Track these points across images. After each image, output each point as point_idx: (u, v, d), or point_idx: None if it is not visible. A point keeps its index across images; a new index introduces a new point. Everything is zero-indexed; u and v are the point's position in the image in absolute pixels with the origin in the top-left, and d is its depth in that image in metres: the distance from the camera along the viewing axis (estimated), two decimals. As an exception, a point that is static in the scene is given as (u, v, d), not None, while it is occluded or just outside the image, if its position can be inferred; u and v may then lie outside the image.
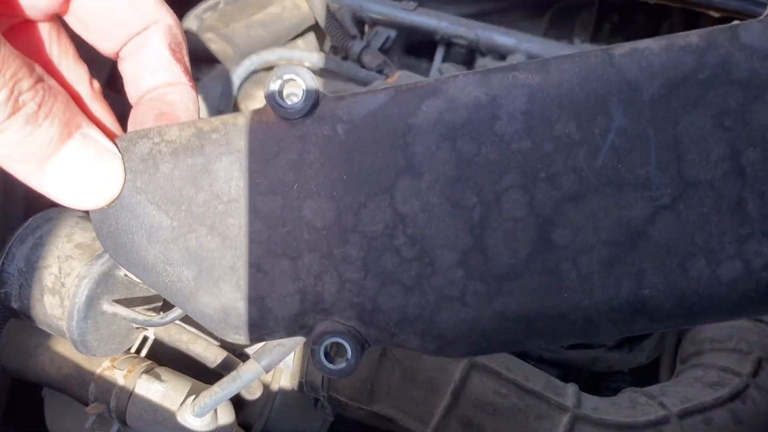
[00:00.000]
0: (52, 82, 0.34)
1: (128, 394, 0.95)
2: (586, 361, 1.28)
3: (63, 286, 0.90)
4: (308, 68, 1.33)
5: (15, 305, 0.92)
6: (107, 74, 1.38)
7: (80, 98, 0.39)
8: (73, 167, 0.35)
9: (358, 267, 0.38)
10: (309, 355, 1.00)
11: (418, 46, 1.58)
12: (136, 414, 0.95)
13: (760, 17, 0.37)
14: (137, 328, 1.00)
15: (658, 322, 0.38)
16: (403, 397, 0.96)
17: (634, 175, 0.37)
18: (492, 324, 0.38)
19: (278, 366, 1.01)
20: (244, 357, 1.05)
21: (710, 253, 0.37)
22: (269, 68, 1.39)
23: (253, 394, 1.03)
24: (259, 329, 0.40)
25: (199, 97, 1.34)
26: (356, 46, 1.41)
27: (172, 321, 0.83)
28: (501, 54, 1.43)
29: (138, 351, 1.05)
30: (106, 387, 0.96)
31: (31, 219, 0.91)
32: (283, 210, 0.39)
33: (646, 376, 1.27)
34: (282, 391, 1.07)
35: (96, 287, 0.86)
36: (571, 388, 0.97)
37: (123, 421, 0.96)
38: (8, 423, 1.14)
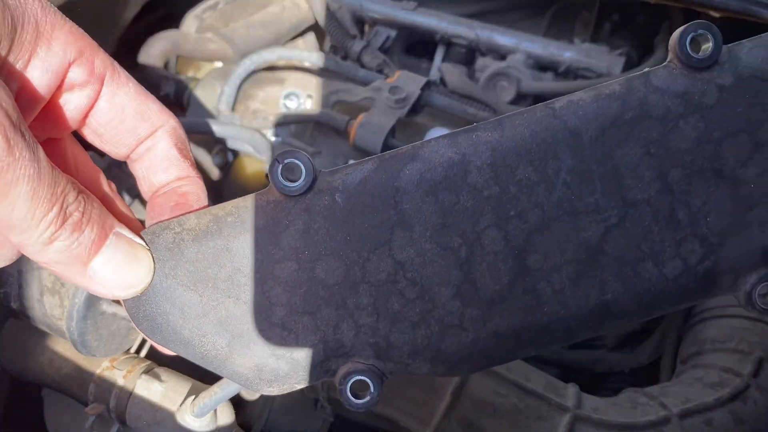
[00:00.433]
0: (86, 190, 0.39)
1: (128, 395, 0.95)
2: (586, 361, 1.28)
3: (63, 286, 0.90)
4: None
5: (15, 305, 0.92)
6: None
7: (104, 200, 0.44)
8: (112, 264, 0.40)
9: (369, 312, 0.44)
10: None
11: (418, 46, 1.58)
12: (135, 414, 0.95)
13: (665, 64, 0.45)
14: (137, 328, 1.00)
15: (622, 319, 0.46)
16: (403, 398, 0.96)
17: (585, 203, 0.44)
18: (489, 343, 0.45)
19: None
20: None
21: (656, 257, 0.45)
22: (269, 68, 1.39)
23: (253, 394, 1.02)
24: (290, 380, 0.45)
25: (199, 98, 1.34)
26: (356, 45, 1.41)
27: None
28: (501, 54, 1.42)
29: (138, 351, 1.05)
30: (106, 387, 0.96)
31: (30, 219, 0.90)
32: (298, 273, 0.44)
33: (647, 376, 1.27)
34: (282, 392, 1.07)
35: (95, 287, 0.86)
36: (572, 389, 0.97)
37: (122, 422, 0.96)
38: (8, 423, 1.14)
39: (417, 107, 1.20)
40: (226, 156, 1.32)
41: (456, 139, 0.45)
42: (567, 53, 1.37)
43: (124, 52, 1.44)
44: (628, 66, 1.38)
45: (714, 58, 0.44)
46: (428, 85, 1.20)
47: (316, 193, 0.44)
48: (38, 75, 0.39)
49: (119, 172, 1.09)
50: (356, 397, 0.44)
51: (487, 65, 1.39)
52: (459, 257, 0.44)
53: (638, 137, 0.44)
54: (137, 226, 0.44)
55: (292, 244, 0.44)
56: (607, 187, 0.44)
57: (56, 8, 0.39)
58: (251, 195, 0.45)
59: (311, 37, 1.63)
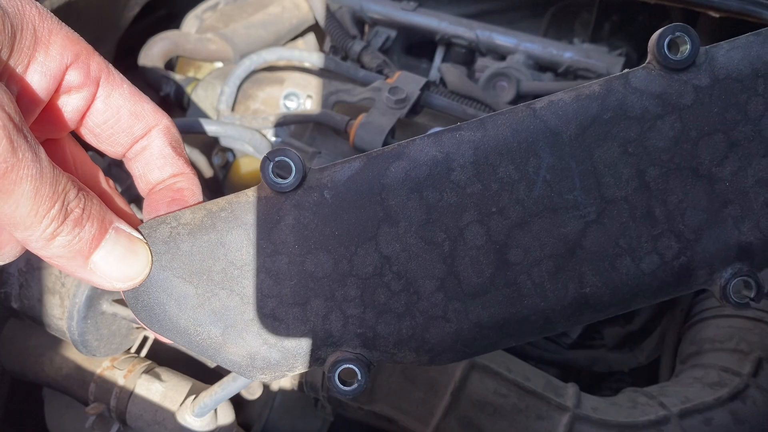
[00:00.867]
0: (86, 188, 0.41)
1: (128, 394, 0.95)
2: (586, 361, 1.28)
3: (63, 286, 0.90)
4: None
5: (15, 305, 0.92)
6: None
7: (103, 196, 0.46)
8: (111, 257, 0.42)
9: (357, 304, 0.46)
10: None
11: (418, 46, 1.58)
12: (136, 414, 0.95)
13: (644, 65, 0.47)
14: (137, 327, 1.00)
15: (600, 311, 0.47)
16: (403, 397, 0.96)
17: (564, 200, 0.46)
18: (471, 333, 0.47)
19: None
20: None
21: (633, 252, 0.46)
22: (269, 68, 1.39)
23: (253, 394, 1.02)
24: (281, 367, 0.47)
25: (200, 98, 1.34)
26: (356, 46, 1.41)
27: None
28: (501, 54, 1.42)
29: (138, 351, 1.05)
30: (106, 387, 0.96)
31: (31, 219, 0.90)
32: (289, 266, 0.46)
33: (646, 376, 1.27)
34: (282, 391, 1.07)
35: (96, 287, 0.86)
36: (571, 389, 0.98)
37: (123, 421, 0.96)
38: (8, 423, 1.14)
39: (417, 108, 1.20)
40: (226, 156, 1.32)
41: (440, 138, 0.46)
42: (567, 53, 1.38)
43: (124, 52, 1.44)
44: (628, 66, 1.38)
45: (691, 60, 0.45)
46: (428, 85, 1.20)
47: (305, 189, 0.46)
48: (37, 79, 0.40)
49: (119, 171, 1.09)
50: (344, 384, 0.45)
51: (486, 65, 1.39)
52: (443, 252, 0.46)
53: (617, 136, 0.46)
54: (135, 222, 0.46)
55: (282, 238, 0.46)
56: (586, 184, 0.46)
57: (52, 14, 0.41)
58: (244, 191, 0.47)
59: (311, 37, 1.63)
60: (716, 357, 1.02)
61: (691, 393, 0.96)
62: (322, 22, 1.53)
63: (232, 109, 1.31)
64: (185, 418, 0.92)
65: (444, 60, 1.50)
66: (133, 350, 1.04)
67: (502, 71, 1.35)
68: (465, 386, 0.94)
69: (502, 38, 1.42)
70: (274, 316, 0.46)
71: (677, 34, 0.45)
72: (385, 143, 1.15)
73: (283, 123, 1.21)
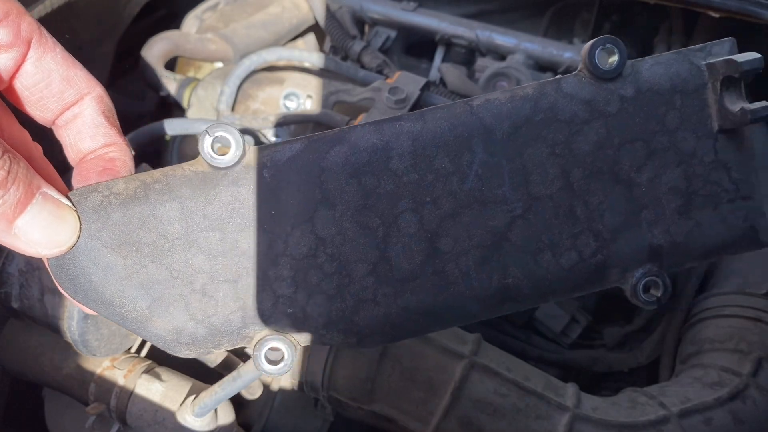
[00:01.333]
0: (12, 150, 0.39)
1: (128, 394, 0.95)
2: (586, 361, 1.28)
3: (63, 286, 0.90)
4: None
5: (15, 305, 0.92)
6: (107, 76, 1.39)
7: (31, 161, 0.43)
8: (37, 223, 0.41)
9: (289, 284, 0.47)
10: (308, 355, 1.00)
11: (418, 46, 1.58)
12: (136, 414, 0.95)
13: (575, 72, 0.49)
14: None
15: (521, 302, 0.49)
16: (403, 397, 0.96)
17: (494, 194, 0.48)
18: (399, 318, 0.48)
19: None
20: (245, 357, 1.05)
21: (554, 248, 0.48)
22: (269, 68, 1.39)
23: (253, 394, 1.03)
24: (207, 344, 0.47)
25: (200, 98, 1.34)
26: (356, 46, 1.41)
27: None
28: (501, 54, 1.42)
29: (138, 351, 1.05)
30: (106, 387, 0.96)
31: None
32: (222, 243, 0.46)
33: (646, 376, 1.27)
34: (282, 391, 1.07)
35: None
36: (571, 388, 0.98)
37: (123, 421, 0.96)
38: (8, 423, 1.14)
39: (417, 108, 1.20)
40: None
41: (381, 127, 0.48)
42: (566, 53, 1.38)
43: (124, 52, 1.44)
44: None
45: (618, 71, 0.48)
46: (428, 85, 1.20)
47: (244, 167, 0.46)
48: None
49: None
50: (270, 363, 0.46)
51: (486, 65, 1.39)
52: (377, 237, 0.47)
53: (546, 138, 0.48)
54: (64, 189, 0.45)
55: (217, 214, 0.46)
56: (514, 181, 0.48)
57: None
58: (180, 165, 0.47)
59: (311, 37, 1.63)
60: (716, 357, 1.02)
61: (691, 393, 0.96)
62: (322, 22, 1.53)
63: (232, 109, 1.31)
64: (185, 417, 0.92)
65: (444, 60, 1.50)
66: (133, 350, 1.04)
67: (502, 71, 1.34)
68: (465, 386, 0.94)
69: (502, 38, 1.42)
70: (204, 291, 0.46)
71: (607, 45, 0.48)
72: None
73: (283, 123, 1.21)
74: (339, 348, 0.99)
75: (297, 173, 0.46)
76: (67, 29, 1.16)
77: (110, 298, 0.45)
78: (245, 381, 0.91)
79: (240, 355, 1.05)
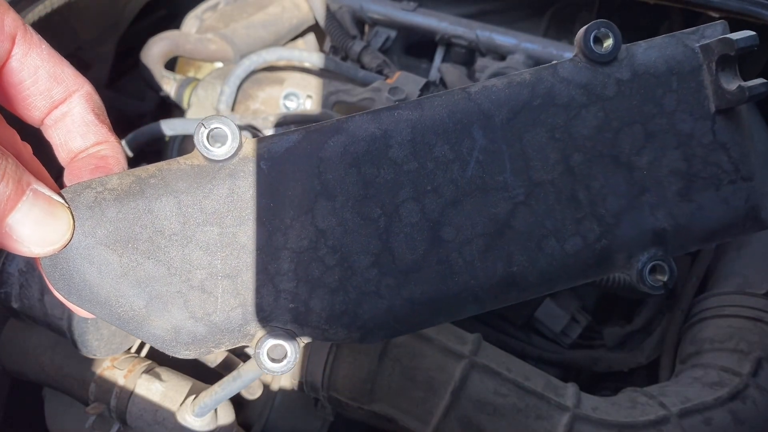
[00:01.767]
0: (0, 147, 0.38)
1: (128, 394, 0.95)
2: (586, 361, 1.28)
3: (63, 286, 0.90)
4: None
5: (15, 305, 0.92)
6: (107, 76, 1.39)
7: (20, 160, 0.42)
8: (29, 220, 0.39)
9: (290, 278, 0.45)
10: (308, 355, 1.00)
11: (418, 46, 1.58)
12: (136, 414, 0.95)
13: (571, 58, 0.49)
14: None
15: (527, 291, 0.48)
16: (403, 397, 0.96)
17: (495, 181, 0.47)
18: (403, 310, 0.47)
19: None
20: (245, 357, 1.05)
21: (558, 234, 0.48)
22: (269, 68, 1.39)
23: (253, 394, 1.03)
24: (207, 343, 0.45)
25: (200, 98, 1.34)
26: (356, 46, 1.41)
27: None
28: (501, 54, 1.42)
29: (138, 350, 1.05)
30: (107, 387, 0.96)
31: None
32: (221, 237, 0.45)
33: (646, 376, 1.27)
34: (282, 391, 1.07)
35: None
36: (571, 388, 0.98)
37: (123, 421, 0.96)
38: (8, 423, 1.14)
39: (417, 107, 1.20)
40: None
41: (379, 116, 0.47)
42: (567, 53, 1.37)
43: (124, 52, 1.44)
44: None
45: (614, 54, 0.48)
46: (428, 85, 1.20)
47: (241, 159, 0.45)
48: None
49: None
50: (273, 361, 0.44)
51: (486, 65, 1.39)
52: (378, 227, 0.46)
53: (545, 122, 0.48)
54: (55, 187, 0.43)
55: (215, 208, 0.45)
56: (515, 166, 0.47)
57: None
58: (176, 159, 0.45)
59: (311, 37, 1.64)
60: (716, 357, 1.02)
61: (691, 393, 0.96)
62: (322, 22, 1.53)
63: (232, 109, 1.31)
64: (185, 417, 0.92)
65: (444, 60, 1.50)
66: (133, 350, 1.04)
67: (502, 71, 1.34)
68: (465, 386, 0.94)
69: (502, 38, 1.42)
70: (203, 288, 0.44)
71: (602, 30, 0.48)
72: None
73: (283, 123, 1.21)
74: (339, 346, 0.99)
75: (295, 164, 0.45)
76: (67, 29, 1.16)
77: (106, 298, 0.43)
78: (245, 381, 0.91)
79: (240, 355, 1.05)
